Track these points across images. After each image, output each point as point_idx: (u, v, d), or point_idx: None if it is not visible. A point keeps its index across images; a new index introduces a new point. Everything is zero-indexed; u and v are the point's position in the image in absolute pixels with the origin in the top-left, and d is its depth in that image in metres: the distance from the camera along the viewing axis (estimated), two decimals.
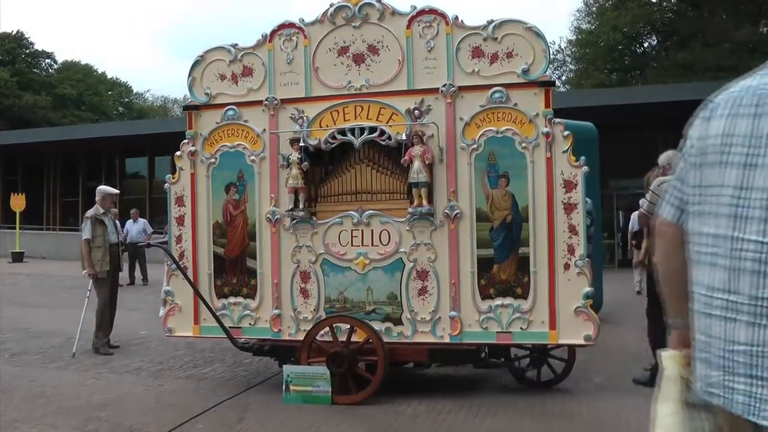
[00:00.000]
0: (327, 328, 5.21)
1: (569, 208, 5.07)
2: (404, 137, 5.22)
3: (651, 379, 5.61)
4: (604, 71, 30.98)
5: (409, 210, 5.20)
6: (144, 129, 25.35)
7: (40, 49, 44.75)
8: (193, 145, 5.69)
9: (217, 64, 5.68)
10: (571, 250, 5.06)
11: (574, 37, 33.38)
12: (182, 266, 5.59)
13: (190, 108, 5.74)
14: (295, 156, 5.35)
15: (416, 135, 5.15)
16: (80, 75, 45.17)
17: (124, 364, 6.64)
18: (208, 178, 5.67)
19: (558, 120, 5.12)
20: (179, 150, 5.75)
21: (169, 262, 5.70)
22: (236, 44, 5.66)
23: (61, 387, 5.79)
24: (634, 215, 5.92)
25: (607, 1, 31.26)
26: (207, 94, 5.67)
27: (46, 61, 45.54)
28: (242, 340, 5.62)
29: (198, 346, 7.26)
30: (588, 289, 5.01)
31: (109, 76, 49.56)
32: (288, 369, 5.16)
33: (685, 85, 18.24)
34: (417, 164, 5.12)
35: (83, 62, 47.37)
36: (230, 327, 5.52)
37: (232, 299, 5.59)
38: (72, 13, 75.72)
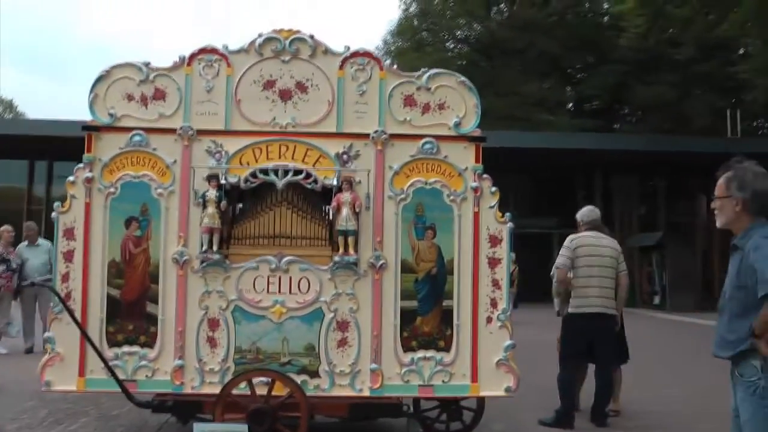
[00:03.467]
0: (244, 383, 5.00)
1: (494, 262, 5.35)
2: (334, 182, 5.20)
3: (556, 420, 6.09)
4: None
5: (336, 258, 5.19)
6: None
7: None
8: (90, 171, 5.25)
9: (124, 83, 5.32)
10: (494, 303, 5.33)
11: None
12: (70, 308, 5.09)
13: (90, 129, 5.30)
14: (212, 193, 5.13)
15: (346, 181, 5.16)
16: None
17: None
18: (105, 210, 5.25)
19: (486, 176, 5.38)
20: (72, 175, 5.27)
21: (52, 305, 5.19)
22: (149, 63, 5.34)
23: None
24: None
25: (407, 42, 33.52)
26: (111, 114, 5.28)
27: None
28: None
29: (46, 396, 6.60)
30: (509, 342, 5.30)
31: None
32: (199, 427, 4.89)
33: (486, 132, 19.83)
34: (346, 211, 5.14)
35: None
36: (123, 380, 5.11)
37: (126, 348, 5.20)
38: None
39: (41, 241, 10.28)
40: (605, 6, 36.95)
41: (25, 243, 10.11)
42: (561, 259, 6.49)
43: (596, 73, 33.08)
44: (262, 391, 4.98)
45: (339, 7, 71.56)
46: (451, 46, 37.76)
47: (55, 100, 67.89)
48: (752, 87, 20.71)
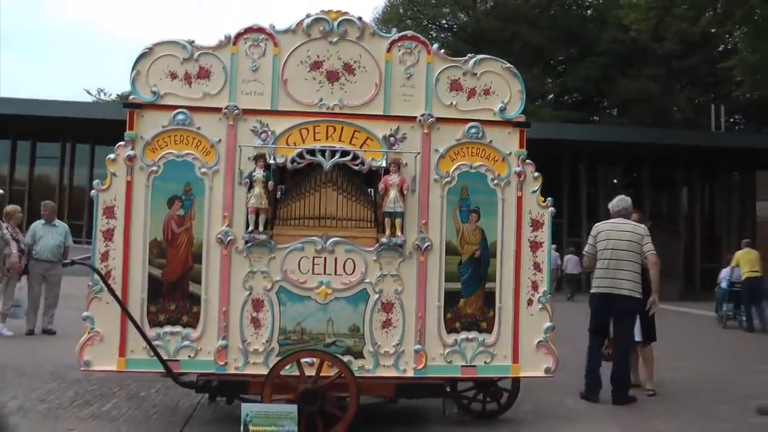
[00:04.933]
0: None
1: (535, 246, 5.48)
2: (382, 164, 5.26)
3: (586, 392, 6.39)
4: None
5: (383, 240, 5.26)
6: None
7: None
8: (132, 149, 5.24)
9: (167, 60, 5.32)
10: (535, 286, 5.47)
11: None
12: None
13: (132, 106, 5.29)
14: (259, 173, 5.16)
15: (394, 163, 5.23)
16: None
17: None
18: (147, 188, 5.25)
19: (529, 161, 5.49)
20: (113, 153, 5.26)
21: (90, 284, 5.18)
22: (193, 41, 5.34)
23: None
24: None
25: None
26: (154, 92, 5.28)
27: None
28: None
29: (67, 377, 6.61)
30: (549, 323, 5.45)
31: None
32: (247, 408, 4.93)
33: None
34: (394, 193, 5.22)
35: None
36: (165, 360, 5.13)
37: (168, 328, 5.21)
38: None
39: (58, 222, 10.14)
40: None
41: (42, 221, 9.80)
42: (586, 246, 7.20)
43: (579, 66, 33.50)
44: (309, 372, 5.05)
45: None
46: (436, 35, 37.83)
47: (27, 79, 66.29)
48: (738, 83, 21.14)
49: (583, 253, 7.32)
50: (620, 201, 7.17)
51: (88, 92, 44.55)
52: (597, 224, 7.21)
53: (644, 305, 6.80)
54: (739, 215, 25.05)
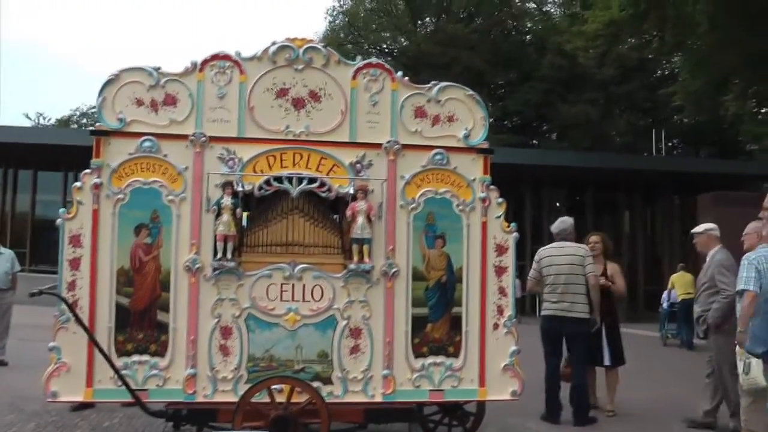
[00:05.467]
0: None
1: (500, 270, 5.63)
2: (350, 190, 5.35)
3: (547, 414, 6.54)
4: None
5: (351, 266, 5.33)
6: None
7: None
8: (98, 177, 5.21)
9: (133, 87, 5.32)
10: (500, 310, 5.60)
11: None
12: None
13: (98, 133, 5.26)
14: (227, 200, 5.19)
15: (361, 189, 5.32)
16: None
17: None
18: (114, 216, 5.22)
19: (493, 186, 5.65)
20: (79, 181, 5.22)
21: (57, 314, 5.11)
22: (159, 67, 5.35)
23: None
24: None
25: None
26: (120, 119, 5.26)
27: None
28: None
29: (25, 409, 6.45)
30: (514, 347, 5.58)
31: None
32: None
33: None
34: (361, 220, 5.30)
35: None
36: (134, 389, 5.07)
37: (136, 357, 5.16)
38: None
39: (4, 249, 9.85)
40: (528, 25, 38.41)
41: None
42: (531, 271, 7.35)
43: (519, 90, 34.26)
44: (279, 399, 5.05)
45: (263, 16, 71.01)
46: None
47: None
48: (678, 109, 21.96)
49: (528, 277, 7.43)
50: (561, 223, 7.35)
51: (27, 117, 43.61)
52: (540, 249, 7.39)
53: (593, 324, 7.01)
54: (680, 238, 25.81)
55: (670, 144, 35.43)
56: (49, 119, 42.11)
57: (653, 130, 28.57)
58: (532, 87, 33.19)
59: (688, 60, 16.65)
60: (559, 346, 7.00)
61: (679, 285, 15.35)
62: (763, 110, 19.93)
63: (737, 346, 6.09)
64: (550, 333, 7.04)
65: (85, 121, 43.83)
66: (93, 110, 45.74)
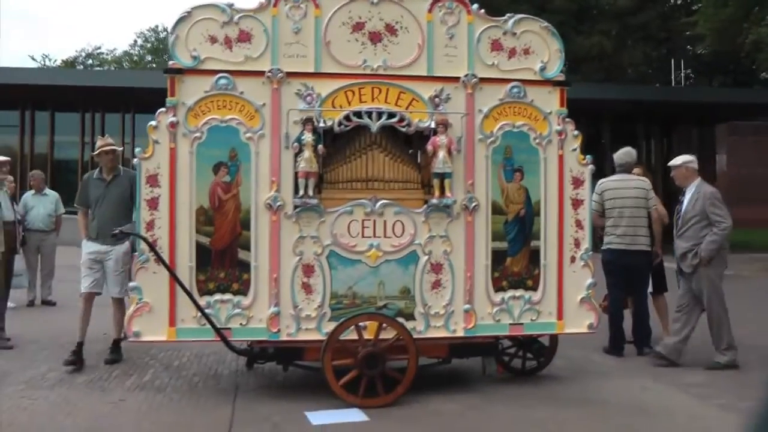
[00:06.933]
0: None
1: (576, 203, 5.60)
2: (431, 125, 5.25)
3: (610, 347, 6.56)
4: None
5: (433, 201, 5.28)
6: None
7: None
8: (173, 115, 5.11)
9: (206, 24, 5.18)
10: (577, 243, 5.59)
11: None
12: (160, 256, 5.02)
13: (172, 72, 5.14)
14: (308, 137, 5.11)
15: (441, 124, 5.23)
16: None
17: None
18: (191, 155, 5.15)
19: (569, 119, 5.55)
20: (154, 120, 5.12)
21: (136, 253, 5.09)
22: (232, 4, 5.20)
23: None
24: None
25: None
26: (194, 57, 5.14)
27: None
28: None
29: (91, 350, 6.44)
30: (591, 280, 5.58)
31: None
32: (317, 417, 4.78)
33: None
34: (442, 154, 5.23)
35: None
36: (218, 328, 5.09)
37: (218, 296, 5.17)
38: None
39: (48, 190, 9.79)
40: None
41: (32, 192, 9.54)
42: (593, 204, 6.79)
43: None
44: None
45: None
46: None
47: None
48: (698, 38, 21.55)
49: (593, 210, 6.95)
50: (625, 155, 7.10)
51: (33, 58, 43.01)
52: (602, 181, 7.09)
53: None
54: (699, 168, 25.62)
55: (682, 74, 34.96)
56: (55, 60, 41.54)
57: (672, 60, 28.08)
58: (545, 20, 32.45)
59: None
60: (621, 278, 6.89)
61: None
62: None
63: None
64: (613, 266, 6.91)
65: (90, 62, 43.29)
66: (98, 51, 45.38)
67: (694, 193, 6.42)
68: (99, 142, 6.53)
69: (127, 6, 66.53)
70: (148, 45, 46.88)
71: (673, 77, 30.06)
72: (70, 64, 40.98)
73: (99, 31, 67.08)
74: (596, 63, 31.87)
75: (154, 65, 45.07)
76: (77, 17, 61.99)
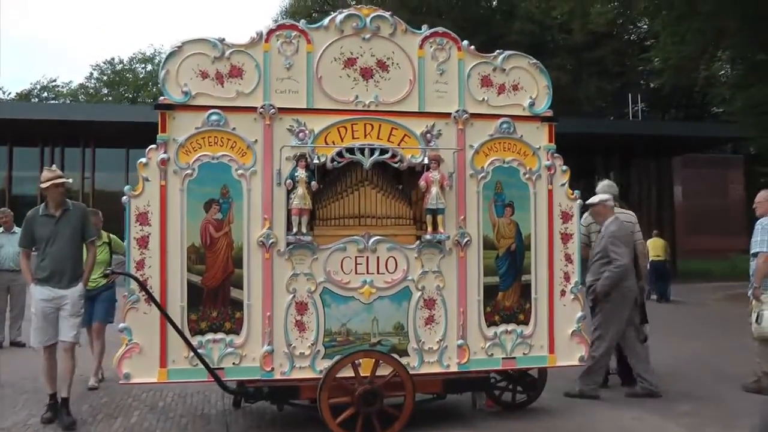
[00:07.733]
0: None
1: (566, 237, 5.66)
2: (424, 160, 5.27)
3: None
4: None
5: (427, 236, 5.28)
6: None
7: None
8: (164, 152, 5.03)
9: (197, 59, 5.13)
10: (567, 277, 5.65)
11: None
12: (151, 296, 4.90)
13: (163, 107, 5.07)
14: (302, 174, 5.07)
15: (434, 159, 5.25)
16: None
17: None
18: (182, 193, 5.06)
19: (557, 154, 5.63)
20: (145, 157, 5.03)
21: (126, 294, 4.96)
22: (223, 39, 5.17)
23: None
24: None
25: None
26: (185, 92, 5.07)
27: None
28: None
29: (74, 391, 6.23)
30: (581, 313, 5.62)
31: None
32: None
33: None
34: (435, 190, 5.25)
35: None
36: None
37: (210, 336, 5.05)
38: None
39: (17, 228, 9.48)
40: None
41: (0, 230, 9.28)
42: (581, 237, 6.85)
43: None
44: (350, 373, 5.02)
45: None
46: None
47: None
48: (649, 73, 22.13)
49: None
50: (609, 187, 7.05)
51: None
52: (587, 214, 7.02)
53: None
54: (657, 199, 26.07)
55: (635, 108, 35.89)
56: (9, 93, 40.73)
57: (629, 95, 28.78)
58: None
59: (667, 27, 16.71)
60: None
61: (651, 248, 15.89)
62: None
63: (752, 300, 6.52)
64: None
65: (45, 94, 42.50)
66: (53, 83, 44.54)
67: (603, 230, 6.56)
68: (47, 173, 5.73)
69: (81, 39, 65.74)
70: (104, 78, 46.27)
71: (626, 111, 30.78)
72: (24, 96, 40.23)
73: (53, 63, 66.09)
74: (553, 97, 32.54)
75: (110, 98, 44.53)
76: (29, 50, 61.00)
